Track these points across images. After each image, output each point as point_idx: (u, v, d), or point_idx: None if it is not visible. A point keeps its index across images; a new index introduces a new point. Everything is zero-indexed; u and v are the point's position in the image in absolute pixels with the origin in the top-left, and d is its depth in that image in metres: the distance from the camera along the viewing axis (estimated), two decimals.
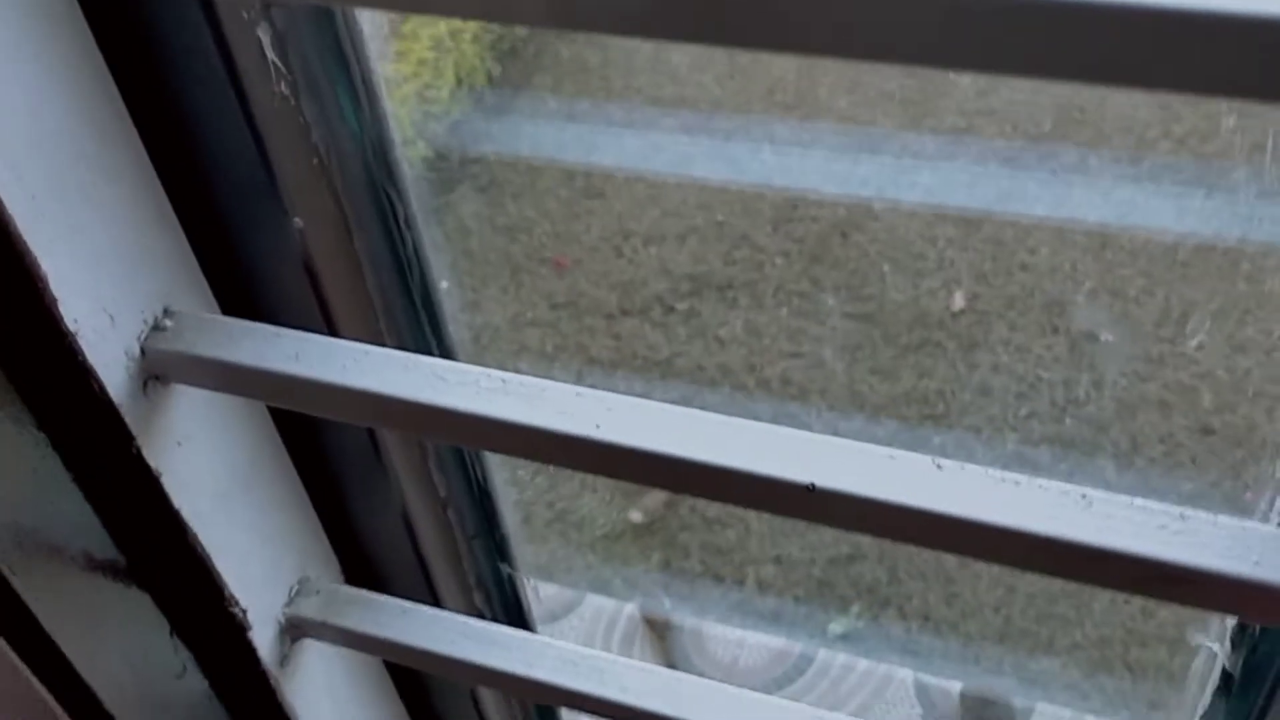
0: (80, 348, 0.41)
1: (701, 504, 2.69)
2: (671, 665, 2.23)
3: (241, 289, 0.46)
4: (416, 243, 0.47)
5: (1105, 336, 2.90)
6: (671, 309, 3.06)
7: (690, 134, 3.37)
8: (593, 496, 2.62)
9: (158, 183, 0.42)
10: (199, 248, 0.45)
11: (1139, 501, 0.34)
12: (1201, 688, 0.52)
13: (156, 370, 0.44)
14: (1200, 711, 0.53)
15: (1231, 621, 0.48)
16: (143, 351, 0.43)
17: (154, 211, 0.43)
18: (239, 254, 0.45)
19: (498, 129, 3.39)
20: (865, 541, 2.61)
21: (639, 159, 3.34)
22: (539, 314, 3.02)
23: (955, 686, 2.24)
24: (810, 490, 0.36)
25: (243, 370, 0.42)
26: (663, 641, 2.28)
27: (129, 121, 0.41)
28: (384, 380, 0.41)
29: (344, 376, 0.41)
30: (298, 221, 0.44)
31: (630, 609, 2.36)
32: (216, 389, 0.44)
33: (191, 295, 0.45)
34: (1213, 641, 0.49)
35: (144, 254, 0.43)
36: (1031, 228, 3.17)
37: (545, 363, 2.92)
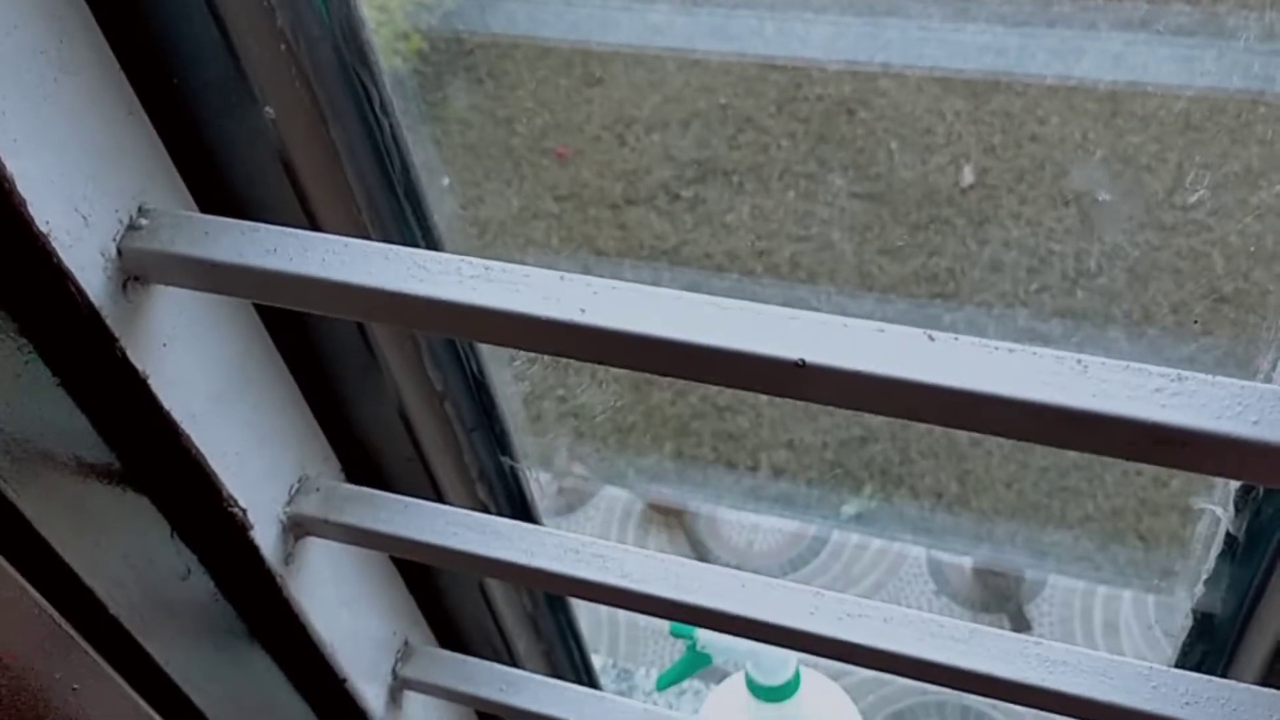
0: (55, 250, 0.40)
1: (713, 392, 2.70)
2: (687, 551, 2.26)
3: (218, 185, 0.45)
4: (394, 129, 0.46)
5: (1116, 206, 2.87)
6: (677, 196, 3.02)
7: (690, 8, 3.31)
8: (602, 390, 2.63)
9: (122, 76, 0.41)
10: (171, 144, 0.44)
11: (1135, 365, 0.34)
12: (1206, 552, 0.52)
13: (135, 270, 0.43)
14: (1204, 576, 0.53)
15: (1235, 485, 0.48)
16: (119, 252, 0.42)
17: (120, 106, 0.41)
18: (213, 148, 0.44)
19: (492, 15, 3.32)
20: (877, 423, 2.62)
21: (639, 36, 3.28)
22: (543, 206, 3.00)
23: (968, 562, 2.27)
24: (800, 366, 0.35)
25: (220, 267, 0.41)
26: (678, 528, 2.30)
27: (87, 12, 0.40)
28: (364, 272, 0.40)
29: (323, 270, 0.40)
30: (269, 111, 0.42)
31: (645, 498, 2.39)
32: (195, 287, 0.43)
33: (167, 193, 0.44)
34: (1216, 505, 0.49)
35: (114, 151, 0.41)
36: (1040, 98, 3.11)
37: (551, 255, 2.90)
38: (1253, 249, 2.74)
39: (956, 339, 0.35)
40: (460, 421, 0.60)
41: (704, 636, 0.94)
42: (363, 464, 0.60)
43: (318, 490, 0.56)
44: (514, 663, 0.73)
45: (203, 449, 0.49)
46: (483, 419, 0.61)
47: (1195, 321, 2.35)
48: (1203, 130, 2.97)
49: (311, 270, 0.40)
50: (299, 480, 0.56)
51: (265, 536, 0.54)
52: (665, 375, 0.38)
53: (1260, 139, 2.91)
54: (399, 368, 0.56)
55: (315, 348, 0.54)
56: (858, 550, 2.32)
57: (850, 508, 2.42)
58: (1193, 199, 2.66)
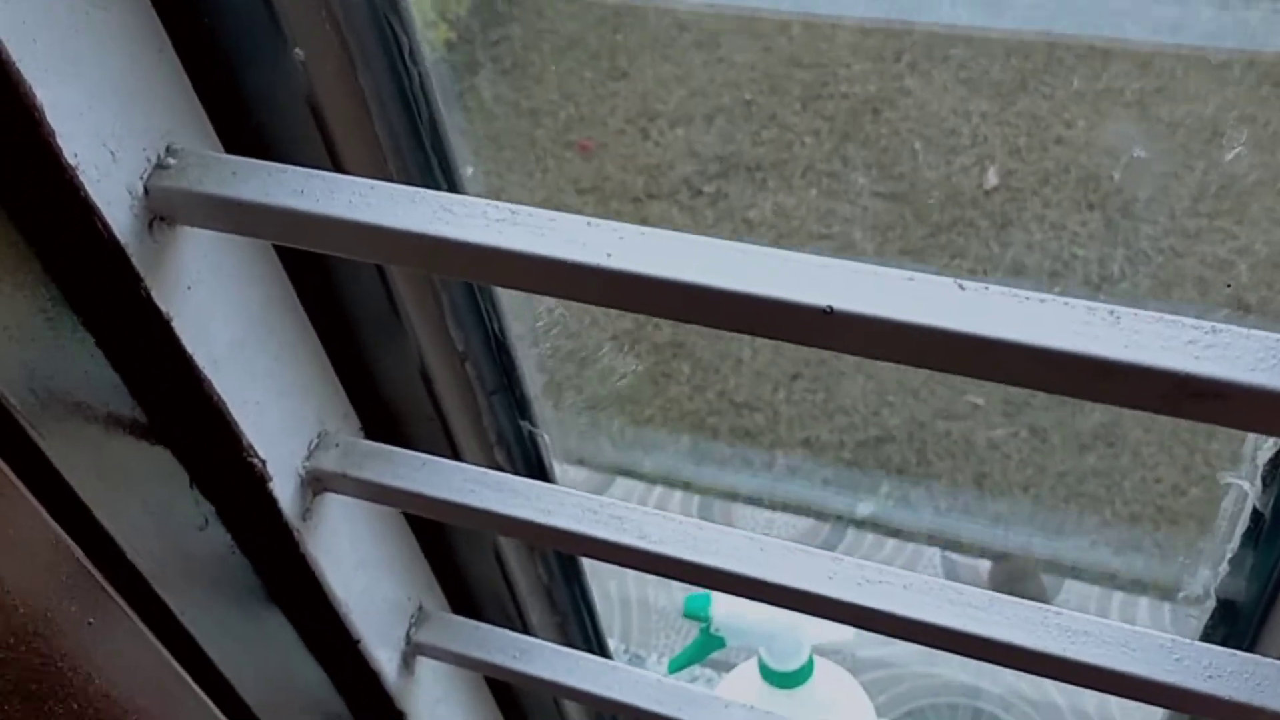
0: (82, 184, 0.40)
1: (730, 388, 2.70)
2: None
3: (245, 127, 0.45)
4: (423, 79, 0.46)
5: (1141, 211, 2.85)
6: (699, 191, 3.02)
7: None
8: (618, 382, 2.63)
9: (153, 13, 0.41)
10: (200, 83, 0.44)
11: (1169, 316, 0.33)
12: (1231, 529, 0.51)
13: (162, 210, 0.43)
14: (1228, 555, 0.52)
15: (1264, 458, 0.47)
16: (146, 190, 0.42)
17: (151, 42, 0.41)
18: (241, 89, 0.44)
19: (519, 7, 3.32)
20: (895, 423, 2.61)
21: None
22: (565, 199, 3.00)
23: (983, 565, 2.26)
24: (828, 313, 0.35)
25: (247, 207, 0.41)
26: (695, 517, 2.30)
27: None
28: (390, 214, 0.40)
29: (350, 211, 0.40)
30: (299, 53, 0.42)
31: (658, 491, 2.38)
32: (221, 228, 0.43)
33: (194, 133, 0.44)
34: (1243, 480, 0.48)
35: (143, 87, 0.41)
36: (1067, 101, 3.10)
37: None
38: (1279, 258, 2.72)
39: (987, 288, 0.35)
40: (481, 383, 0.60)
41: (718, 619, 0.94)
42: (382, 422, 0.60)
43: (337, 445, 0.56)
44: (527, 633, 0.72)
45: (224, 396, 0.49)
46: (503, 382, 0.61)
47: (1229, 285, 2.33)
48: (1233, 138, 2.95)
49: (338, 211, 0.40)
50: (318, 435, 0.56)
51: (283, 490, 0.54)
52: (692, 322, 0.37)
53: None
54: (421, 325, 0.56)
55: (338, 301, 0.54)
56: (872, 550, 2.31)
57: (865, 507, 2.41)
58: (1228, 155, 2.62)
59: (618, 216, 2.99)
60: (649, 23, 3.38)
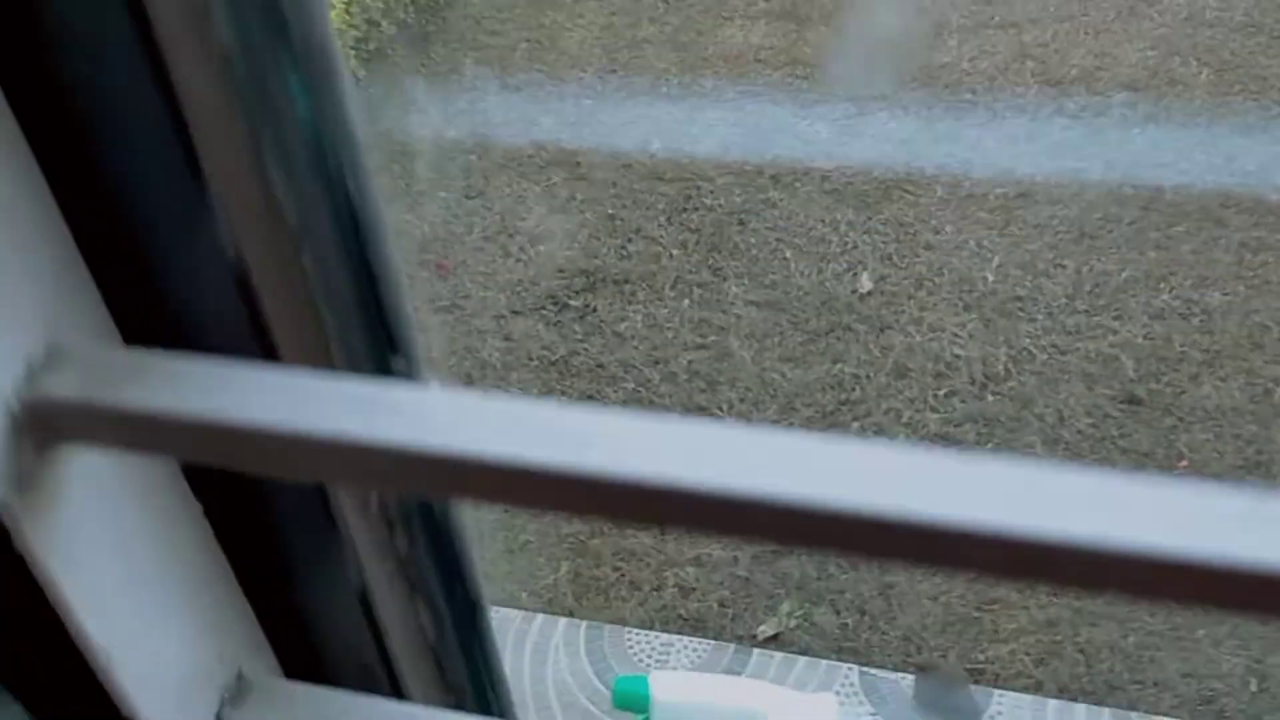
0: None
1: None
2: (594, 673, 2.00)
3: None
4: None
5: (1018, 310, 2.79)
6: (565, 306, 2.85)
7: (580, 100, 3.27)
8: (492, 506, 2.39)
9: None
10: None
11: None
12: None
13: None
14: None
15: None
16: None
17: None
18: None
19: (373, 127, 3.18)
20: None
21: (540, 132, 3.19)
22: (422, 318, 2.79)
23: (905, 679, 2.06)
24: None
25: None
26: (582, 648, 2.04)
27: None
28: None
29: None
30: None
31: (540, 619, 2.12)
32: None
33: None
34: None
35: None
36: (932, 208, 3.06)
37: (431, 369, 2.69)
38: (1161, 351, 2.67)
39: None
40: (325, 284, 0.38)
41: (660, 702, 0.71)
42: (167, 330, 0.37)
43: (74, 358, 0.33)
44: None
45: None
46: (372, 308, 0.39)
47: (1122, 431, 2.22)
48: (1098, 238, 2.94)
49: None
50: (48, 349, 0.33)
51: None
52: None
53: (1156, 245, 2.89)
54: (236, 200, 0.35)
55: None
56: (785, 666, 2.08)
57: (768, 627, 2.19)
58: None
59: (480, 334, 2.79)
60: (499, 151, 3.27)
